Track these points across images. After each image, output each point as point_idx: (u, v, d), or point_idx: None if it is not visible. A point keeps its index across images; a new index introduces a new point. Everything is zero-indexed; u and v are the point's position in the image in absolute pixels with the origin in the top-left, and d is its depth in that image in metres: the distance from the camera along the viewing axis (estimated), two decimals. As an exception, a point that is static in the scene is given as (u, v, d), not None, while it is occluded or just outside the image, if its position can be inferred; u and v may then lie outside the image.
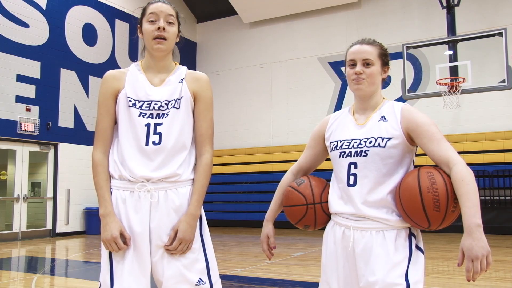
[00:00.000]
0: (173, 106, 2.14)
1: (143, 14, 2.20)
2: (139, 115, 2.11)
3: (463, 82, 9.88)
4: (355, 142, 2.08)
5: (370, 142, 2.04)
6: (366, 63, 2.08)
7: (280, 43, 16.07)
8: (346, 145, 2.11)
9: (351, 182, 2.06)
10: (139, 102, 2.13)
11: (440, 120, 12.70)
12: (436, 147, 1.94)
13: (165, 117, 2.11)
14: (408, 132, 2.02)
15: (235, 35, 16.90)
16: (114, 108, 2.17)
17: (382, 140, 2.02)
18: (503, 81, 9.41)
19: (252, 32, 16.64)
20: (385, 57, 2.15)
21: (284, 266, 7.55)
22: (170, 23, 2.17)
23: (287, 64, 15.88)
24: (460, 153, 11.14)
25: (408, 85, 10.71)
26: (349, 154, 2.08)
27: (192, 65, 16.82)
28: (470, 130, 12.75)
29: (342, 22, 14.93)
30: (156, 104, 2.13)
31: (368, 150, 2.04)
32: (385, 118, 2.06)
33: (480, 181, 12.00)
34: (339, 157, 2.13)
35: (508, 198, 11.58)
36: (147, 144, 2.09)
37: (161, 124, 2.10)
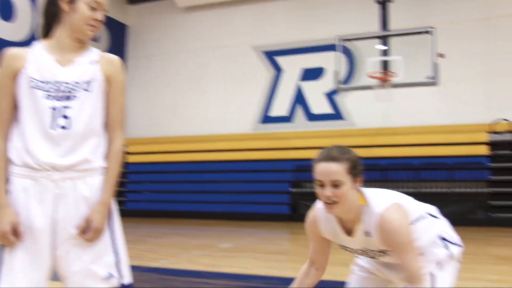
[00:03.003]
0: (84, 89, 2.04)
1: None
2: (44, 97, 1.98)
3: (393, 77, 10.08)
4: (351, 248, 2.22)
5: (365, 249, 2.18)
6: (335, 184, 2.01)
7: (216, 29, 15.70)
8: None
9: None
10: (43, 83, 2.00)
11: (371, 113, 12.95)
12: (407, 261, 2.01)
13: (74, 99, 2.01)
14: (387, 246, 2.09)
15: (169, 19, 16.31)
16: (13, 89, 2.02)
17: (378, 250, 2.12)
18: (432, 77, 9.70)
19: (187, 17, 16.13)
20: (355, 169, 2.05)
21: (211, 258, 7.32)
22: (105, 10, 2.14)
23: (223, 52, 15.55)
24: (389, 146, 11.31)
25: (341, 77, 10.79)
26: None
27: (122, 49, 16.05)
28: (400, 123, 13.09)
29: (281, 12, 14.82)
30: (64, 85, 2.01)
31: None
32: (370, 234, 2.07)
33: (406, 174, 12.37)
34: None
35: (432, 190, 12.02)
36: (53, 128, 1.97)
37: (69, 107, 2.00)
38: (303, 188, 13.35)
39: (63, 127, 1.97)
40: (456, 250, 2.23)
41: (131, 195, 15.54)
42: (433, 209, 2.29)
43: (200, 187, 14.63)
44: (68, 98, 1.99)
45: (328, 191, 1.99)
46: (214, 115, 15.36)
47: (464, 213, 11.77)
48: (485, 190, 11.85)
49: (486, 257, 7.55)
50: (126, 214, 14.80)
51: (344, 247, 2.24)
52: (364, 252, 2.20)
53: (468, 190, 11.94)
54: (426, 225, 2.16)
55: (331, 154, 2.01)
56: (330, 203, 2.01)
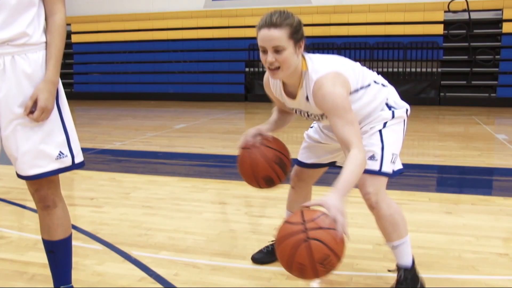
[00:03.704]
0: None
1: None
2: None
3: None
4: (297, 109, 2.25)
5: (307, 112, 2.21)
6: (277, 50, 1.97)
7: None
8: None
9: None
10: None
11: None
12: (339, 127, 1.98)
13: None
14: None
15: None
16: None
17: (319, 114, 2.16)
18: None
19: None
20: (297, 34, 2.01)
21: (166, 138, 7.26)
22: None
23: None
24: (344, 24, 11.08)
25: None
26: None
27: None
28: (355, 1, 12.73)
29: None
30: None
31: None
32: (308, 99, 2.09)
33: (362, 53, 12.33)
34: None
35: (386, 69, 12.12)
36: None
37: None
38: (258, 68, 13.15)
39: None
40: (401, 112, 2.27)
41: (78, 77, 14.89)
42: (381, 78, 2.33)
43: (151, 68, 14.14)
44: None
45: (270, 57, 1.98)
46: (163, -10, 14.37)
47: (417, 93, 12.07)
48: (439, 70, 12.06)
49: (434, 134, 7.88)
50: (74, 96, 14.37)
51: (293, 110, 2.30)
52: (309, 116, 2.25)
53: (423, 70, 12.12)
54: (373, 92, 2.21)
55: (272, 20, 1.97)
56: (273, 69, 2.02)
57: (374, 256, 2.74)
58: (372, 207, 2.14)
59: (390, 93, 2.30)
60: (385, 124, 2.21)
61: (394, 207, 2.18)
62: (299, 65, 2.06)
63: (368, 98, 2.19)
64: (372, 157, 2.14)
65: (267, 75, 2.23)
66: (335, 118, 1.97)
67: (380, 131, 2.20)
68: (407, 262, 2.22)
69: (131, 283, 2.42)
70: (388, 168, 2.15)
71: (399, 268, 2.23)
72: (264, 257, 2.66)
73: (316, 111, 2.14)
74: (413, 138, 6.97)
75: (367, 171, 2.08)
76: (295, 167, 2.54)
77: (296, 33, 1.99)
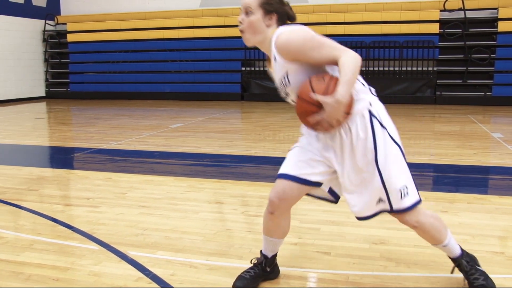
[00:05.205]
0: None
1: None
2: None
3: None
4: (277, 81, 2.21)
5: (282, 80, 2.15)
6: (246, 12, 2.15)
7: None
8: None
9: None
10: None
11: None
12: (318, 55, 2.00)
13: None
14: (294, 59, 2.05)
15: None
16: None
17: (284, 79, 2.11)
18: None
19: None
20: (269, 5, 2.15)
21: (162, 138, 7.24)
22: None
23: None
24: (340, 23, 11.06)
25: None
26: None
27: None
28: (351, 0, 12.73)
29: None
30: None
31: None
32: (275, 58, 2.10)
33: (358, 52, 12.26)
34: None
35: (382, 68, 12.12)
36: None
37: None
38: (254, 67, 13.14)
39: None
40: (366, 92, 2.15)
41: (73, 77, 14.83)
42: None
43: (147, 67, 14.11)
44: None
45: (240, 17, 2.18)
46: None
47: (413, 92, 12.08)
48: (435, 69, 12.09)
49: (430, 133, 7.90)
50: (70, 96, 14.33)
51: (278, 86, 2.25)
52: (286, 87, 2.15)
53: (419, 68, 12.14)
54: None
55: None
56: (241, 31, 2.19)
57: (371, 255, 2.74)
58: (415, 227, 2.16)
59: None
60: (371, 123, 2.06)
61: (430, 216, 2.19)
62: (270, 34, 2.14)
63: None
64: (380, 200, 2.11)
65: None
66: (309, 54, 2.00)
67: (377, 168, 2.05)
68: (458, 250, 2.27)
69: (127, 283, 2.41)
70: (399, 204, 2.10)
71: (455, 260, 2.28)
72: (248, 283, 2.35)
73: (284, 71, 2.09)
74: (409, 136, 6.98)
75: (387, 211, 2.13)
76: (279, 183, 2.22)
77: (267, 4, 2.14)
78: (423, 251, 2.76)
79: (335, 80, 1.96)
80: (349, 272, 2.52)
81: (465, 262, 2.26)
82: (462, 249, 2.30)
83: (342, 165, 2.10)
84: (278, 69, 2.12)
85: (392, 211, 2.12)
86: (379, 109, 2.11)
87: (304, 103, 1.99)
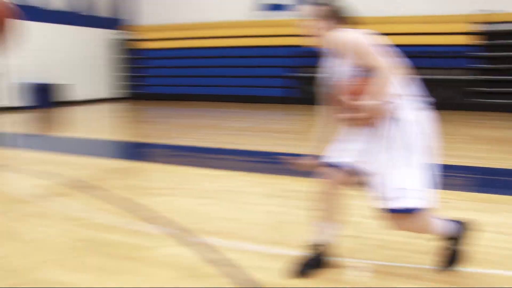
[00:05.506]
0: None
1: None
2: None
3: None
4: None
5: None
6: (311, 18, 2.51)
7: None
8: None
9: None
10: None
11: (359, 1, 12.46)
12: (363, 61, 2.34)
13: None
14: (347, 57, 2.45)
15: None
16: None
17: (337, 72, 2.54)
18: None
19: None
20: (329, 12, 2.51)
21: (231, 136, 7.75)
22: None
23: None
24: (388, 34, 10.96)
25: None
26: None
27: None
28: (386, 13, 12.85)
29: None
30: None
31: None
32: (333, 55, 2.56)
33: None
34: None
35: (420, 76, 12.03)
36: None
37: None
38: (309, 73, 13.41)
39: None
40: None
41: (148, 80, 15.55)
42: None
43: (207, 72, 14.76)
44: None
45: (304, 23, 2.54)
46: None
47: (445, 99, 12.04)
48: (464, 77, 12.13)
49: (467, 137, 7.96)
50: (146, 97, 15.04)
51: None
52: (331, 80, 2.59)
53: (449, 77, 12.25)
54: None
55: None
56: (308, 36, 2.54)
57: (368, 254, 2.83)
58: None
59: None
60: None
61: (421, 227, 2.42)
62: (330, 36, 2.47)
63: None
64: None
65: None
66: (357, 57, 2.34)
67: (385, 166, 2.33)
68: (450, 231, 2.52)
69: (202, 265, 2.63)
70: (390, 204, 2.30)
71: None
72: (307, 269, 2.53)
73: (338, 66, 2.49)
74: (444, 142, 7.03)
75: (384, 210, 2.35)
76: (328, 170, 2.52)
77: (328, 11, 2.51)
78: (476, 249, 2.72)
79: (368, 86, 2.33)
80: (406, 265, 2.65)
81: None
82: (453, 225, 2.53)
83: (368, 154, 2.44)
84: (332, 64, 2.51)
85: (384, 210, 2.31)
86: (409, 114, 2.34)
87: (340, 102, 2.42)
